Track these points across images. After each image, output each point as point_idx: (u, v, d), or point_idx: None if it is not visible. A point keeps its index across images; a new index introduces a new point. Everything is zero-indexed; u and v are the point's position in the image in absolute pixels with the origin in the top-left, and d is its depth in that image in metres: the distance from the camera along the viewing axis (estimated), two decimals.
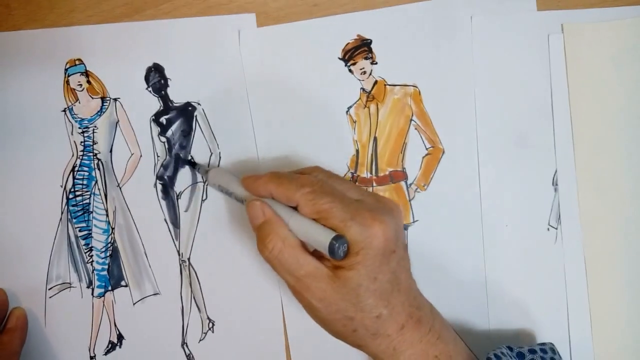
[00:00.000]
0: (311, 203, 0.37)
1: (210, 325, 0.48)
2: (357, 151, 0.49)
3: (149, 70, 0.48)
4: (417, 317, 0.38)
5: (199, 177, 0.48)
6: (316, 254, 0.38)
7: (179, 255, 0.48)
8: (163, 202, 0.48)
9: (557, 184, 0.48)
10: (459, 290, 0.48)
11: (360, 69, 0.48)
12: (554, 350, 0.43)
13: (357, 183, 0.49)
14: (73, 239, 0.48)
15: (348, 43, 0.48)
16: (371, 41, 0.48)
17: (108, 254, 0.48)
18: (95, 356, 0.48)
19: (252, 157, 0.48)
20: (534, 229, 0.48)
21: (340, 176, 0.41)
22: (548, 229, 0.48)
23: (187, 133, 0.48)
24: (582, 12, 0.48)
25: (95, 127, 0.48)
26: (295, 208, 0.38)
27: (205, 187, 0.48)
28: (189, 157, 0.48)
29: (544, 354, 0.42)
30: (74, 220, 0.48)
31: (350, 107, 0.48)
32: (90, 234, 0.48)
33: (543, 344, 0.43)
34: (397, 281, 0.37)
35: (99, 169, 0.48)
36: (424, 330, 0.38)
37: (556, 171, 0.48)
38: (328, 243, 0.35)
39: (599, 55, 0.48)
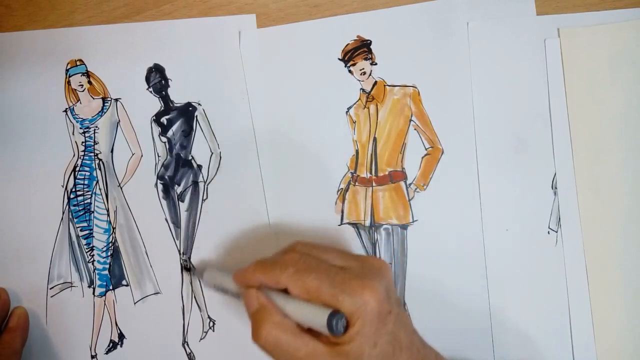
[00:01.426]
0: (299, 283, 0.37)
1: (211, 324, 0.49)
2: (357, 151, 0.49)
3: (150, 71, 0.48)
4: None
5: (200, 177, 0.49)
6: (312, 333, 0.37)
7: (179, 254, 0.48)
8: (164, 202, 0.48)
9: (556, 187, 0.48)
10: (459, 291, 0.48)
11: (360, 70, 0.48)
12: None
13: (356, 183, 0.49)
14: (74, 238, 0.48)
15: (348, 44, 0.48)
16: (371, 42, 0.48)
17: (109, 254, 0.48)
18: (96, 355, 0.48)
19: (252, 157, 0.48)
20: (534, 232, 0.48)
21: (322, 245, 0.41)
22: (548, 232, 0.48)
23: (187, 133, 0.48)
24: (579, 15, 0.49)
25: (96, 127, 0.48)
26: (286, 291, 0.38)
27: (205, 186, 0.49)
28: (186, 264, 0.48)
29: None
30: (75, 220, 0.48)
31: (350, 107, 0.49)
32: (92, 233, 0.48)
33: None
34: (397, 341, 0.37)
35: (100, 169, 0.48)
36: None
37: (555, 174, 0.49)
38: (326, 321, 0.35)
39: (595, 59, 0.48)
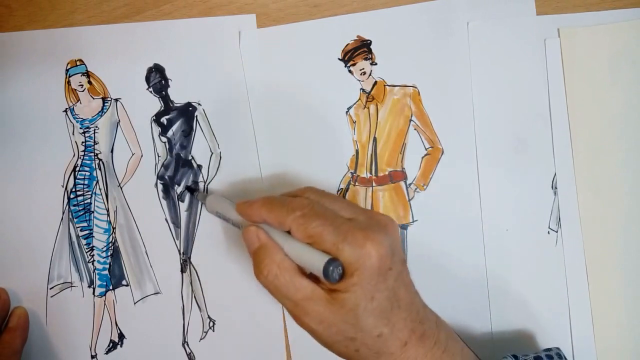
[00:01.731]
0: (302, 227, 0.37)
1: (211, 324, 0.49)
2: (357, 151, 0.49)
3: (150, 71, 0.48)
4: (420, 332, 0.38)
5: (200, 177, 0.49)
6: (313, 277, 0.38)
7: (179, 254, 0.48)
8: (164, 202, 0.48)
9: (556, 187, 0.48)
10: (459, 292, 0.48)
11: (360, 70, 0.48)
12: (560, 355, 0.42)
13: (356, 183, 0.49)
14: (74, 238, 0.48)
15: (348, 44, 0.48)
16: (371, 42, 0.48)
17: (109, 254, 0.48)
18: (96, 355, 0.48)
19: (252, 157, 0.48)
20: (534, 232, 0.48)
21: (333, 194, 0.41)
22: (548, 232, 0.48)
23: (187, 133, 0.48)
24: (579, 15, 0.49)
25: (96, 127, 0.48)
26: (289, 232, 0.38)
27: (205, 186, 0.49)
28: (193, 186, 0.48)
29: None
30: (75, 220, 0.48)
31: (350, 107, 0.49)
32: (92, 233, 0.48)
33: (549, 349, 0.43)
34: (396, 298, 0.37)
35: (100, 169, 0.48)
36: (429, 345, 0.38)
37: (555, 174, 0.49)
38: (322, 267, 0.35)
39: (595, 59, 0.48)
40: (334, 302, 0.36)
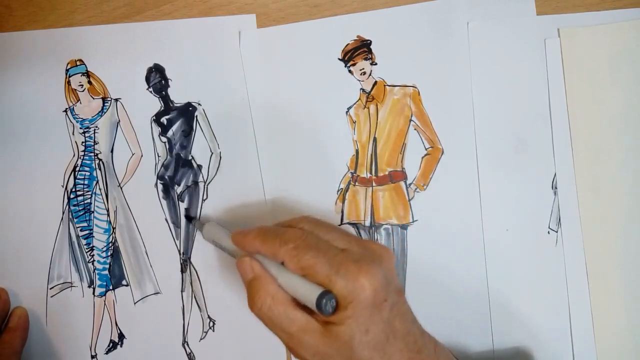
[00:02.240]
0: (295, 259, 0.37)
1: (211, 324, 0.49)
2: (357, 151, 0.49)
3: (150, 71, 0.48)
4: None
5: (200, 177, 0.49)
6: (308, 308, 0.37)
7: (179, 254, 0.48)
8: (164, 202, 0.48)
9: (556, 187, 0.48)
10: (459, 292, 0.48)
11: (360, 70, 0.48)
12: None
13: (356, 183, 0.49)
14: (74, 238, 0.48)
15: (348, 44, 0.48)
16: (371, 42, 0.48)
17: (109, 254, 0.48)
18: (96, 355, 0.48)
19: (252, 157, 0.48)
20: (534, 233, 0.48)
21: (328, 224, 0.40)
22: (548, 232, 0.48)
23: (187, 133, 0.48)
24: (579, 15, 0.49)
25: (96, 127, 0.48)
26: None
27: (205, 187, 0.49)
28: (189, 213, 0.48)
29: None
30: (75, 220, 0.48)
31: (350, 107, 0.49)
32: (92, 233, 0.48)
33: None
34: (391, 329, 0.36)
35: (100, 169, 0.48)
36: None
37: (555, 174, 0.48)
38: (315, 300, 0.35)
39: (595, 59, 0.48)
40: (329, 334, 0.36)
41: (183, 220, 0.48)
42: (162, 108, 0.48)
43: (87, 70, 0.48)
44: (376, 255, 0.37)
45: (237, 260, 0.40)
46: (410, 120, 0.49)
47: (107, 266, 0.48)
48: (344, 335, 0.35)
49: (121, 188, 0.48)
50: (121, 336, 0.48)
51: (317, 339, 0.36)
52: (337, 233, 0.39)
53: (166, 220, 0.48)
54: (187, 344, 0.48)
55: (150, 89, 0.48)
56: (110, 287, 0.48)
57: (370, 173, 0.49)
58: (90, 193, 0.48)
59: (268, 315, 0.37)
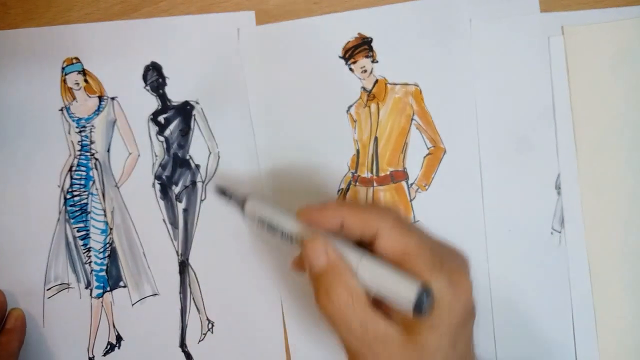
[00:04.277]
0: (398, 236, 0.30)
1: (210, 326, 0.48)
2: (358, 151, 0.48)
3: (147, 69, 0.47)
4: None
5: (198, 177, 0.48)
6: (381, 310, 0.31)
7: (177, 255, 0.48)
8: (161, 202, 0.48)
9: (560, 187, 0.48)
10: None
11: (361, 68, 0.48)
12: None
13: (357, 183, 0.48)
14: (71, 239, 0.48)
15: (349, 41, 0.48)
16: (372, 39, 0.48)
17: (106, 255, 0.48)
18: (94, 357, 0.48)
19: (252, 156, 0.48)
20: (537, 233, 0.48)
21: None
22: (552, 233, 0.48)
23: (185, 132, 0.48)
24: (583, 13, 0.48)
25: (92, 126, 0.48)
26: (365, 248, 0.31)
27: (204, 186, 0.48)
28: (223, 189, 0.41)
29: None
30: (72, 221, 0.48)
31: (351, 106, 0.48)
32: (88, 234, 0.48)
33: None
34: (470, 348, 0.32)
35: (96, 169, 0.48)
36: None
37: (559, 175, 0.48)
38: (415, 295, 0.29)
39: (600, 57, 0.48)
40: (411, 344, 0.30)
41: (181, 221, 0.48)
42: (160, 107, 0.48)
43: (83, 68, 0.47)
44: (467, 260, 0.32)
45: (306, 241, 0.33)
46: (412, 119, 0.48)
47: (105, 267, 0.48)
48: (430, 346, 0.30)
49: (118, 188, 0.48)
50: (119, 338, 0.48)
51: (396, 350, 0.30)
52: (423, 228, 0.34)
53: (164, 220, 0.48)
54: (186, 346, 0.48)
55: (148, 88, 0.48)
56: (108, 289, 0.48)
57: (371, 173, 0.48)
58: (86, 193, 0.48)
59: (342, 315, 0.31)
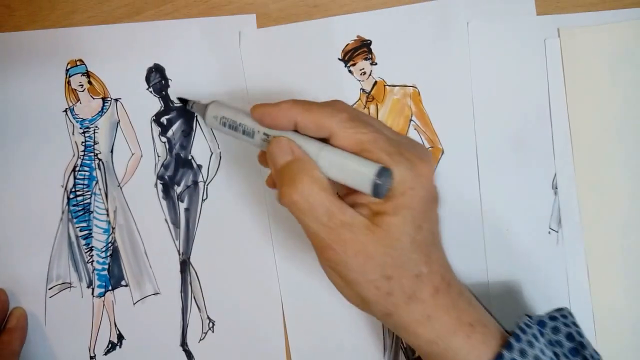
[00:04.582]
0: (352, 131, 0.31)
1: (211, 325, 0.48)
2: None
3: (150, 71, 0.48)
4: (448, 280, 0.33)
5: (200, 177, 0.48)
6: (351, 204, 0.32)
7: (179, 255, 0.48)
8: (163, 202, 0.48)
9: (556, 187, 0.48)
10: None
11: (360, 70, 0.48)
12: (572, 315, 0.38)
13: None
14: (73, 238, 0.48)
15: (348, 44, 0.48)
16: (371, 42, 0.48)
17: (108, 254, 0.48)
18: (95, 356, 0.48)
19: (253, 157, 0.48)
20: (534, 232, 0.48)
21: (365, 113, 0.35)
22: (549, 232, 0.48)
23: (187, 133, 0.48)
24: (579, 15, 0.48)
25: (96, 127, 0.48)
26: (324, 141, 0.32)
27: (205, 186, 0.48)
28: (182, 97, 0.44)
29: (565, 319, 0.37)
30: (75, 220, 0.48)
31: None
32: (91, 233, 0.48)
33: (560, 309, 0.38)
34: (437, 232, 0.32)
35: (99, 169, 0.48)
36: (455, 295, 0.33)
37: (555, 174, 0.48)
38: (372, 176, 0.30)
39: (596, 59, 0.48)
40: (376, 229, 0.31)
41: (183, 221, 0.48)
42: (162, 108, 0.48)
43: (87, 70, 0.48)
44: (427, 150, 0.34)
45: (271, 139, 0.34)
46: (411, 120, 0.49)
47: (107, 266, 0.48)
48: (396, 229, 0.30)
49: (121, 188, 0.48)
50: (120, 337, 0.48)
51: (363, 234, 0.31)
52: (380, 121, 0.35)
53: (166, 220, 0.48)
54: (187, 345, 0.48)
55: (151, 89, 0.48)
56: (110, 288, 0.48)
57: None
58: (89, 193, 0.48)
59: (308, 203, 0.31)
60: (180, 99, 0.44)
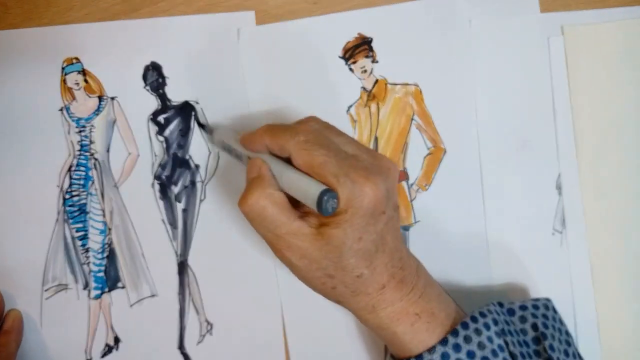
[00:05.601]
0: (304, 153, 0.36)
1: (209, 327, 0.48)
2: None
3: (147, 69, 0.47)
4: (399, 278, 0.38)
5: (198, 177, 0.48)
6: (301, 215, 0.37)
7: (176, 256, 0.48)
8: (161, 202, 0.48)
9: (560, 188, 0.48)
10: (463, 292, 0.48)
11: (361, 68, 0.48)
12: (547, 307, 0.42)
13: None
14: (69, 239, 0.47)
15: (349, 41, 0.48)
16: (372, 39, 0.48)
17: (105, 255, 0.47)
18: (91, 359, 0.47)
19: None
20: (538, 233, 0.48)
21: (337, 128, 0.40)
22: (553, 233, 0.48)
23: (185, 132, 0.48)
24: (583, 13, 0.48)
25: (92, 126, 0.47)
26: (289, 161, 0.37)
27: (203, 187, 0.48)
28: (200, 120, 0.47)
29: (535, 310, 0.41)
30: (71, 221, 0.47)
31: (351, 106, 0.48)
32: (87, 234, 0.47)
33: (537, 299, 0.43)
34: (382, 242, 0.37)
35: (95, 169, 0.47)
36: (406, 290, 0.38)
37: (559, 175, 0.48)
38: (317, 197, 0.34)
39: (600, 57, 0.48)
40: (320, 237, 0.36)
41: (180, 221, 0.48)
42: (160, 107, 0.48)
43: (83, 68, 0.47)
44: (384, 168, 0.37)
45: (248, 160, 0.40)
46: (412, 119, 0.48)
47: (103, 268, 0.47)
48: (336, 239, 0.35)
49: (117, 188, 0.47)
50: (117, 339, 0.47)
51: (307, 242, 0.36)
52: (346, 138, 0.39)
53: (163, 221, 0.47)
54: (184, 348, 0.48)
55: (147, 88, 0.47)
56: (106, 289, 0.47)
57: None
58: (85, 193, 0.47)
59: (259, 214, 0.36)
60: (199, 124, 0.48)
